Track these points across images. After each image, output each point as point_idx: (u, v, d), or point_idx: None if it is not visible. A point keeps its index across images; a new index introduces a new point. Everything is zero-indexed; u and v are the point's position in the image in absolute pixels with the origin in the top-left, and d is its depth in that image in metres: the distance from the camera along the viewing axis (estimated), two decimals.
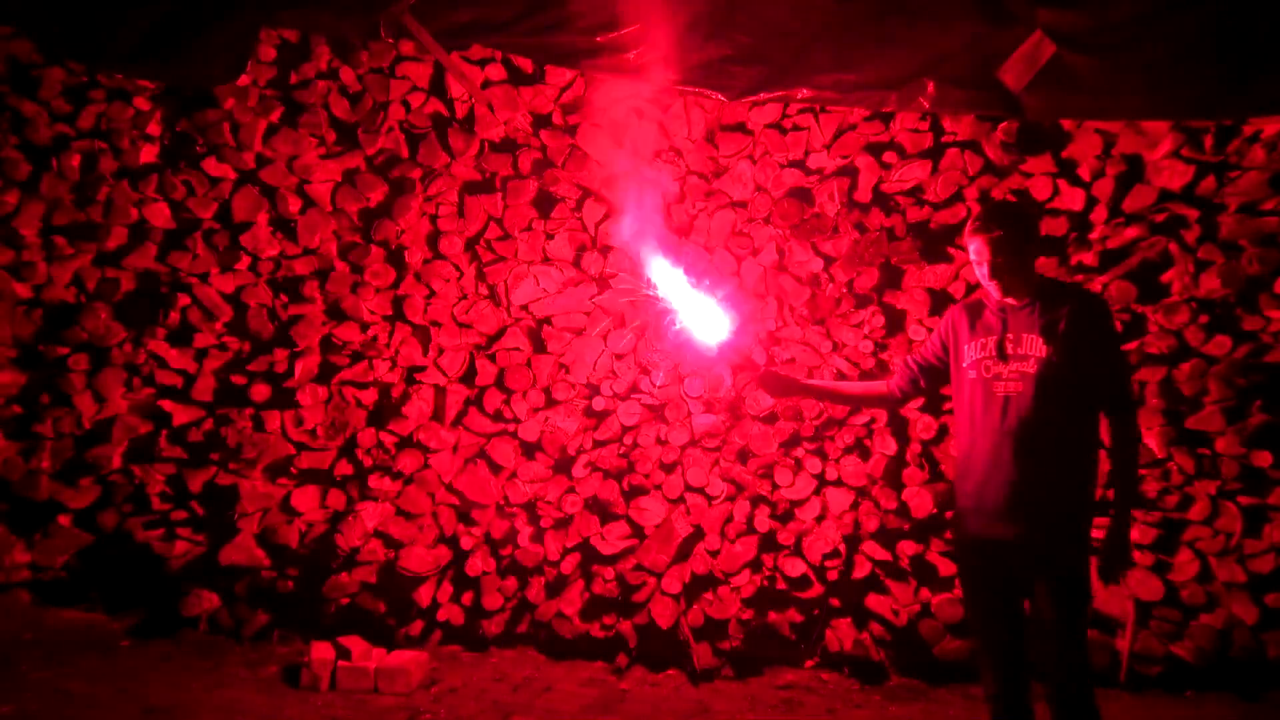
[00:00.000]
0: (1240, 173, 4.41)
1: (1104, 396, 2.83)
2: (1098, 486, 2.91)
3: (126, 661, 4.51)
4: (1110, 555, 2.82)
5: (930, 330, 4.43)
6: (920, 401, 4.40)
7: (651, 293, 3.32)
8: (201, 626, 4.82)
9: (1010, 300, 2.86)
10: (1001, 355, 2.83)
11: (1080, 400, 2.79)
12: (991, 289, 2.87)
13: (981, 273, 2.86)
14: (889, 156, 4.62)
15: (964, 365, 2.91)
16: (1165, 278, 4.43)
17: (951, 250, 4.57)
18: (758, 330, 4.64)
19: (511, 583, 4.71)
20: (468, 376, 4.81)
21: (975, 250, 2.85)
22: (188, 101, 4.93)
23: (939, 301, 4.56)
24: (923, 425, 4.52)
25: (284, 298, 4.88)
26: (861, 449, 4.57)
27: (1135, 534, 4.27)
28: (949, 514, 4.52)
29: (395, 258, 4.84)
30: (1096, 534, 2.86)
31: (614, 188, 4.67)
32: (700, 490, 4.62)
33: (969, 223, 2.92)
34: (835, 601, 4.59)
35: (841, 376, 4.55)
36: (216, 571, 4.79)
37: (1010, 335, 2.84)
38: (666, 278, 3.26)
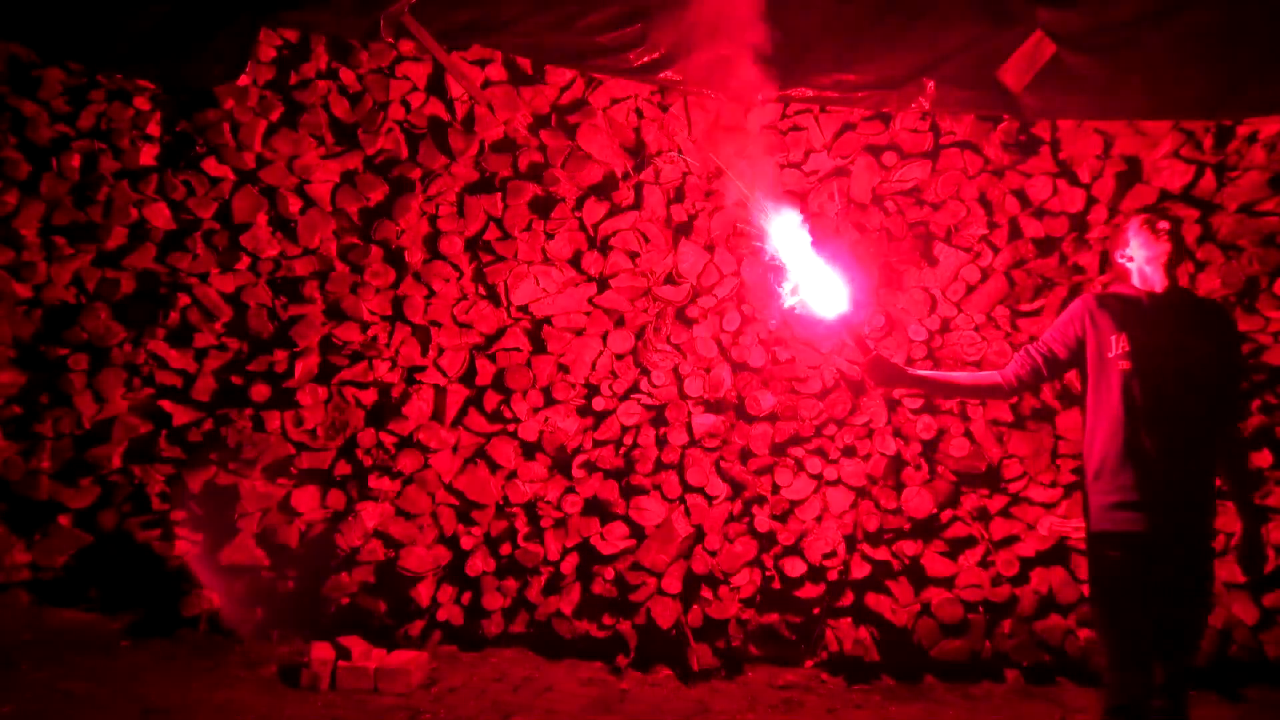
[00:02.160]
0: (1240, 173, 4.42)
1: (1230, 400, 2.96)
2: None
3: (126, 661, 4.50)
4: (1257, 555, 2.90)
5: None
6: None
7: (776, 261, 3.21)
8: (201, 626, 4.81)
9: (1162, 293, 2.92)
10: (1160, 348, 2.85)
11: (1218, 401, 2.87)
12: (1158, 279, 2.92)
13: (1160, 262, 2.91)
14: (888, 157, 4.62)
15: (1110, 356, 2.89)
16: None
17: (950, 250, 4.57)
18: (758, 330, 4.65)
19: (511, 583, 4.71)
20: (467, 376, 4.81)
21: (1159, 239, 2.93)
22: (188, 101, 4.92)
23: (937, 302, 4.56)
24: (922, 425, 4.52)
25: (284, 298, 4.88)
26: (861, 449, 4.57)
27: None
28: (945, 514, 4.53)
29: (395, 258, 4.84)
30: None
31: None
32: (700, 490, 4.62)
33: (1150, 212, 3.16)
34: (834, 601, 4.60)
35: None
36: (216, 571, 4.79)
37: (1168, 328, 2.88)
38: (791, 247, 3.17)
